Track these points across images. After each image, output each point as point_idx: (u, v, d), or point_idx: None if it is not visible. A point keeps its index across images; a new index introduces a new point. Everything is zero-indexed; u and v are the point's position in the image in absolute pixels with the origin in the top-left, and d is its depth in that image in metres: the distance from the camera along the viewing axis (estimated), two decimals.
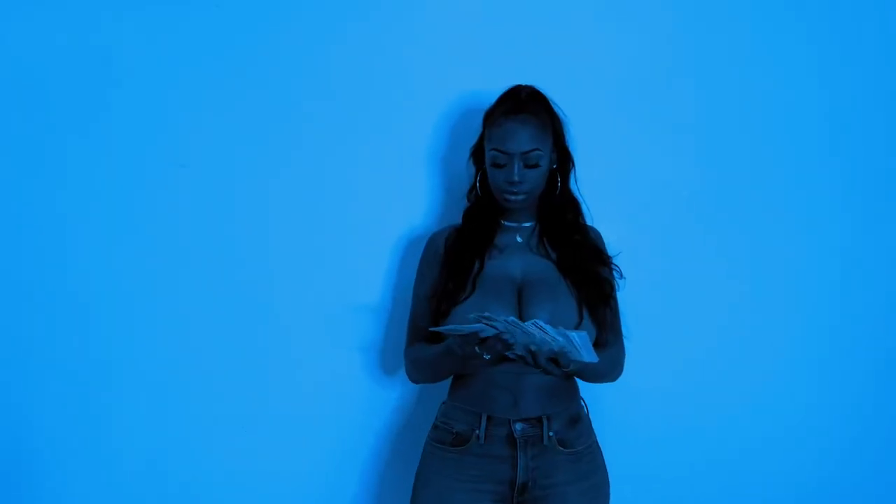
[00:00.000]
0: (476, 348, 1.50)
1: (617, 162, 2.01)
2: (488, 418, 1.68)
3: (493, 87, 1.81)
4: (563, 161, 1.78)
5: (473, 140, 1.83)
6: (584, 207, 1.84)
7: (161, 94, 1.97)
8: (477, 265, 1.72)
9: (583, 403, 1.77)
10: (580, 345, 1.48)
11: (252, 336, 2.02)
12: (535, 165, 1.68)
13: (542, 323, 1.49)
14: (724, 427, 2.09)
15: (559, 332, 1.48)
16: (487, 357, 1.51)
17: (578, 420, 1.73)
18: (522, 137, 1.67)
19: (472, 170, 1.83)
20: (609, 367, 1.75)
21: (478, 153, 1.81)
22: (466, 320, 1.52)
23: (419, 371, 1.76)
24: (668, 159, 2.03)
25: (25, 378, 2.00)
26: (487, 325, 1.47)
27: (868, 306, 2.11)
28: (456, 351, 1.56)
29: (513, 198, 1.69)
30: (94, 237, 1.99)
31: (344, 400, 2.04)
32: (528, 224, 1.79)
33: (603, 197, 1.89)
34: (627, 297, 1.83)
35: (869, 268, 2.10)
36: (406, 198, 2.01)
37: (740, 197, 2.07)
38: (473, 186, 1.81)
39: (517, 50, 1.98)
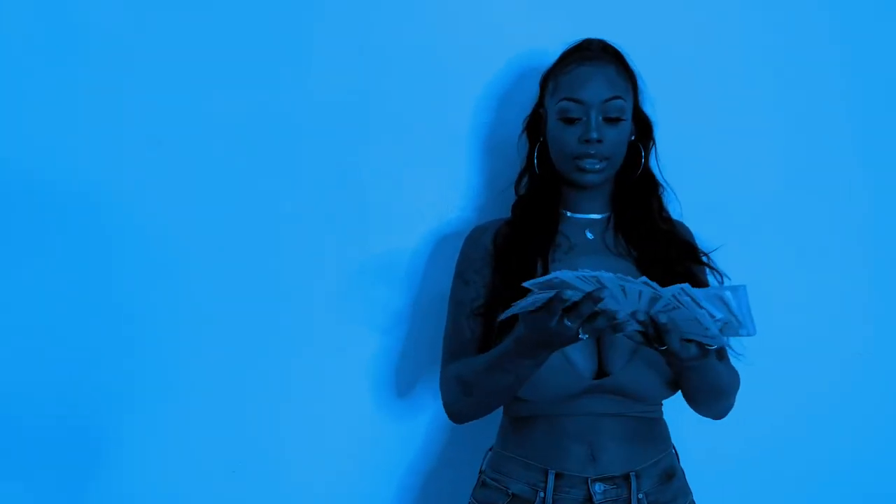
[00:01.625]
0: (566, 321, 1.06)
1: (699, 148, 1.63)
2: (557, 476, 1.27)
3: (546, 55, 1.46)
4: (643, 133, 1.40)
5: (521, 119, 1.48)
6: (669, 195, 1.43)
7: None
8: (539, 268, 1.31)
9: (674, 452, 1.36)
10: (737, 309, 1.01)
11: (242, 359, 1.63)
12: (618, 119, 1.31)
13: (691, 291, 0.99)
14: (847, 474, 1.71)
15: (707, 297, 1.01)
16: (584, 335, 1.07)
17: (673, 475, 1.33)
18: (601, 82, 1.31)
19: (525, 149, 1.45)
20: (733, 380, 1.31)
21: (534, 123, 1.41)
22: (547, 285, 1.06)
23: (471, 389, 1.27)
24: (759, 149, 1.67)
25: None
26: (573, 285, 1.03)
27: None
28: (533, 333, 1.10)
29: (590, 164, 1.30)
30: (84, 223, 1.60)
31: (353, 440, 1.65)
32: (599, 216, 1.39)
33: (686, 187, 1.49)
34: None
35: None
36: (437, 187, 1.64)
37: (845, 193, 1.71)
38: (529, 164, 1.42)
39: (575, 10, 1.61)
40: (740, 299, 1.01)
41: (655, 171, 1.42)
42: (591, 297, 1.03)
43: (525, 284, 1.05)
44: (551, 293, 1.05)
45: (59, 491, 1.61)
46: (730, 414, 1.35)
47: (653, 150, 1.42)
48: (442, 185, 1.63)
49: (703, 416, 1.33)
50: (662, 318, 1.04)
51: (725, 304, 1.01)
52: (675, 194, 1.45)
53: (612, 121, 1.31)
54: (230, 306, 1.62)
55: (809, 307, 1.69)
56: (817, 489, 1.73)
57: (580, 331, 1.06)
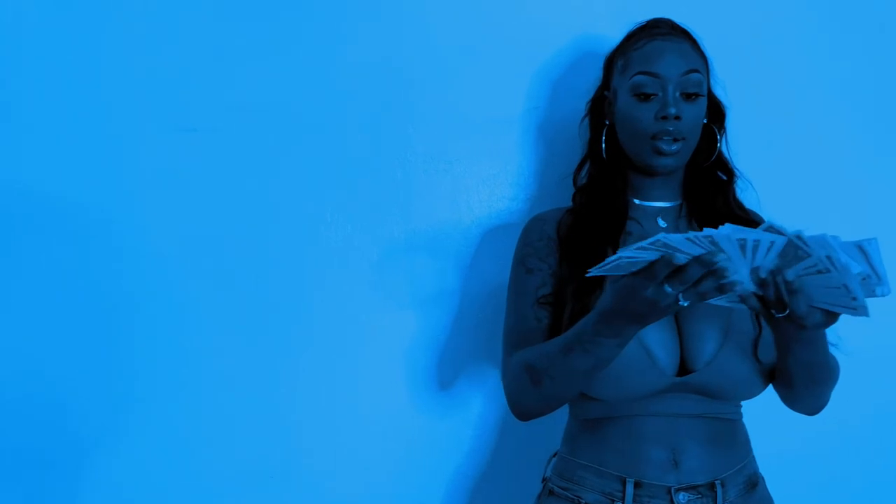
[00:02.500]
0: (666, 287, 0.95)
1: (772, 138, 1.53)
2: (636, 485, 1.16)
3: (602, 40, 1.40)
4: (716, 116, 1.30)
5: (574, 108, 1.39)
6: (744, 184, 1.34)
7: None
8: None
9: (753, 457, 1.26)
10: (876, 261, 0.89)
11: (272, 355, 1.53)
12: (696, 95, 1.21)
13: (831, 242, 0.86)
14: None
15: (846, 248, 0.88)
16: (685, 302, 0.95)
17: (756, 483, 1.23)
18: (677, 56, 1.21)
19: (586, 136, 1.35)
20: (835, 368, 1.21)
21: (598, 107, 1.32)
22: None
23: (542, 378, 1.14)
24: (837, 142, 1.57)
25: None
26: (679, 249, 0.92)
27: None
28: (624, 301, 0.99)
29: (667, 147, 1.19)
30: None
31: (390, 437, 1.55)
32: (669, 203, 1.29)
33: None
34: None
35: None
36: (486, 176, 1.55)
37: None
38: (592, 151, 1.32)
39: None
40: (874, 252, 0.89)
41: (727, 156, 1.32)
42: (701, 262, 0.92)
43: (623, 252, 0.94)
44: (646, 257, 0.94)
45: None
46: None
47: (723, 138, 1.31)
48: (491, 174, 1.54)
49: (798, 410, 1.23)
50: (790, 275, 0.92)
51: (864, 254, 0.88)
52: (751, 184, 1.34)
53: (690, 96, 1.21)
54: (269, 293, 1.52)
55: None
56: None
57: (680, 297, 0.95)
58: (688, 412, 1.18)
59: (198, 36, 1.50)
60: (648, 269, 0.95)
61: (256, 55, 1.51)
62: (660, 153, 1.21)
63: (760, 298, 0.97)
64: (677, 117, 1.19)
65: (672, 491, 1.16)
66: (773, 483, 1.27)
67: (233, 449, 1.52)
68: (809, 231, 0.88)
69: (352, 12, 1.52)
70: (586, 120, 1.36)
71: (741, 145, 1.34)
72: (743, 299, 0.98)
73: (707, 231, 0.89)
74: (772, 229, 0.89)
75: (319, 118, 1.51)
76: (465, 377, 1.57)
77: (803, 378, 1.15)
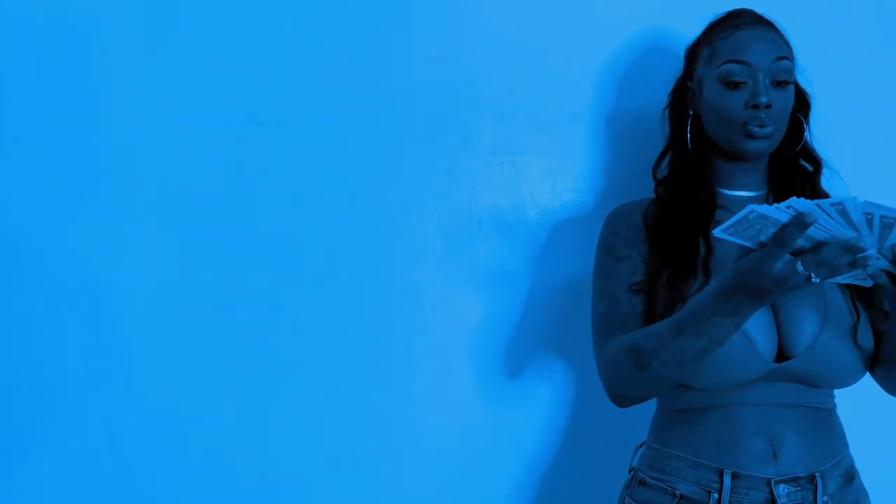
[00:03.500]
0: (799, 265, 0.95)
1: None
2: (734, 476, 1.14)
3: (669, 36, 1.44)
4: (802, 105, 1.29)
5: (646, 98, 1.40)
6: (830, 174, 1.32)
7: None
8: (703, 247, 1.18)
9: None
10: None
11: (340, 341, 1.51)
12: (786, 83, 1.20)
13: None
14: None
15: None
16: (817, 279, 0.95)
17: (854, 476, 1.20)
18: (766, 44, 1.21)
19: (667, 125, 1.34)
20: None
21: (680, 98, 1.31)
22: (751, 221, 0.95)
23: (649, 361, 1.10)
24: None
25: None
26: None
27: None
28: (748, 277, 0.98)
29: (760, 130, 1.18)
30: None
31: (456, 435, 1.53)
32: (756, 193, 1.27)
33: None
34: None
35: None
36: (547, 168, 1.53)
37: None
38: (674, 141, 1.31)
39: None
40: None
41: (815, 150, 1.31)
42: (843, 245, 0.92)
43: (753, 206, 0.93)
44: (777, 217, 0.92)
45: None
46: None
47: (808, 129, 1.30)
48: (554, 167, 1.52)
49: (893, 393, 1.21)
50: None
51: None
52: (839, 174, 1.32)
53: (780, 84, 1.20)
54: (338, 281, 1.50)
55: None
56: None
57: (812, 273, 0.94)
58: (786, 401, 1.15)
59: (267, 30, 1.49)
60: (778, 236, 0.94)
61: (324, 50, 1.49)
62: (752, 137, 1.19)
63: (889, 274, 0.96)
64: (768, 105, 1.17)
65: (772, 483, 1.13)
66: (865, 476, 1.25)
67: (298, 435, 1.50)
68: None
69: (419, 7, 1.50)
70: (666, 111, 1.34)
71: (827, 135, 1.32)
72: (874, 277, 0.96)
73: (838, 198, 0.87)
74: None
75: (386, 112, 1.50)
76: (532, 369, 1.55)
77: None
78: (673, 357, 1.09)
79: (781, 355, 1.15)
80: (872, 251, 0.94)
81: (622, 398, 1.18)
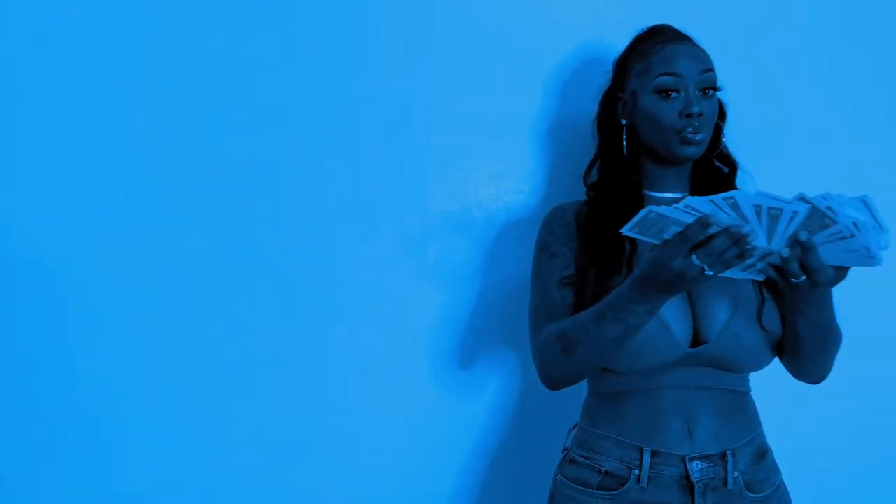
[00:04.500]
0: (693, 258, 1.05)
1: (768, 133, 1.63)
2: (653, 454, 1.25)
3: (605, 47, 1.52)
4: (719, 113, 1.39)
5: (586, 105, 1.47)
6: (744, 175, 1.43)
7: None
8: (627, 245, 1.29)
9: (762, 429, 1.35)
10: (881, 217, 0.99)
11: (288, 334, 1.63)
12: (713, 90, 1.31)
13: (834, 198, 0.97)
14: None
15: (850, 201, 0.98)
16: (710, 272, 1.05)
17: (765, 453, 1.31)
18: (693, 57, 1.31)
19: (597, 134, 1.44)
20: (840, 333, 1.29)
21: (610, 107, 1.40)
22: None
23: (575, 347, 1.21)
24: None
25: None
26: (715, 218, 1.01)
27: None
28: (655, 270, 1.09)
29: (694, 136, 1.28)
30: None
31: (412, 421, 1.64)
32: (680, 194, 1.37)
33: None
34: None
35: None
36: (492, 171, 1.63)
37: None
38: (605, 148, 1.41)
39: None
40: (872, 206, 0.99)
41: (729, 151, 1.41)
42: (730, 234, 1.02)
43: (651, 207, 1.03)
44: (674, 215, 1.02)
45: None
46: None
47: (723, 131, 1.40)
48: (499, 170, 1.63)
49: (805, 379, 1.32)
50: (803, 236, 1.02)
51: (867, 206, 0.98)
52: (750, 175, 1.43)
53: (706, 93, 1.30)
54: (298, 281, 1.61)
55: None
56: None
57: (705, 267, 1.04)
58: (701, 384, 1.26)
59: (220, 38, 1.58)
60: (681, 234, 1.05)
61: (275, 59, 1.59)
62: (688, 143, 1.29)
63: (776, 267, 1.06)
64: (700, 114, 1.28)
65: (686, 459, 1.24)
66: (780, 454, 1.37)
67: (260, 423, 1.61)
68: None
69: (372, 18, 1.60)
70: (596, 121, 1.43)
71: (740, 139, 1.42)
72: (763, 271, 1.07)
73: (730, 193, 0.97)
74: (803, 199, 0.97)
75: (344, 120, 1.60)
76: (482, 360, 1.65)
77: (812, 343, 1.23)
78: (595, 342, 1.20)
79: (697, 341, 1.26)
80: (762, 242, 1.04)
81: (553, 381, 1.29)
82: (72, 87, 1.57)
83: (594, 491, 1.27)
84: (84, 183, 1.58)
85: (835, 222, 0.99)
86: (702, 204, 1.00)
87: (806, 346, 1.24)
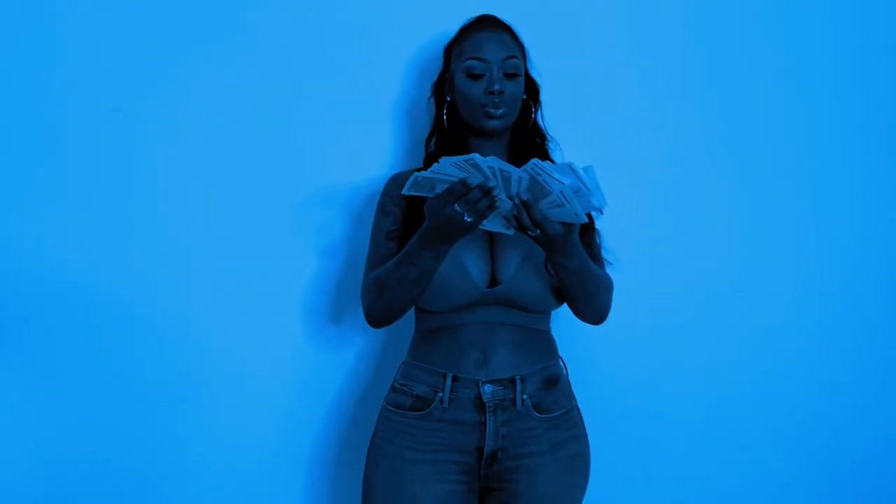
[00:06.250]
0: (456, 206, 1.29)
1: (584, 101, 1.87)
2: (454, 379, 1.47)
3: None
4: (532, 93, 1.64)
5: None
6: (554, 146, 1.67)
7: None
8: None
9: (562, 364, 1.57)
10: (590, 183, 1.23)
11: (176, 298, 1.83)
12: (515, 75, 1.53)
13: (541, 164, 1.22)
14: (719, 398, 1.95)
15: (557, 169, 1.22)
16: (469, 219, 1.29)
17: (556, 382, 1.53)
18: (499, 44, 1.54)
19: (433, 112, 1.67)
20: (603, 278, 1.51)
21: (441, 87, 1.64)
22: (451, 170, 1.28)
23: (383, 288, 1.45)
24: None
25: None
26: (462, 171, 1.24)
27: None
28: (433, 219, 1.32)
29: (494, 111, 1.51)
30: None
31: (286, 370, 1.86)
32: None
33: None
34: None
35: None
36: (367, 150, 1.85)
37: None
38: (438, 122, 1.63)
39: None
40: (589, 174, 1.22)
41: (543, 126, 1.64)
42: (481, 188, 1.25)
43: (418, 174, 1.27)
44: (438, 177, 1.25)
45: None
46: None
47: (540, 111, 1.64)
48: (370, 149, 1.84)
49: (585, 319, 1.53)
50: (525, 196, 1.26)
51: (574, 172, 1.21)
52: (559, 145, 1.66)
53: (510, 76, 1.52)
54: (142, 268, 1.81)
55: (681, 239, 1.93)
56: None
57: (465, 214, 1.27)
58: (499, 321, 1.48)
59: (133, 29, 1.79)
60: (447, 189, 1.28)
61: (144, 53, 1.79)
62: (490, 116, 1.52)
63: (518, 219, 1.30)
64: (501, 92, 1.50)
65: (480, 383, 1.46)
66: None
67: (150, 372, 1.81)
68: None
69: (250, 14, 1.81)
70: (432, 99, 1.66)
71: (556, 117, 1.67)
72: (511, 225, 1.31)
73: (471, 155, 1.21)
74: (569, 168, 1.22)
75: (239, 109, 1.81)
76: (349, 316, 1.86)
77: (574, 286, 1.45)
78: (397, 283, 1.42)
79: (496, 282, 1.48)
80: (503, 196, 1.27)
81: (372, 319, 1.51)
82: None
83: (406, 412, 1.50)
84: None
85: (549, 192, 1.24)
86: (446, 166, 1.24)
87: (570, 289, 1.46)
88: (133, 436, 1.81)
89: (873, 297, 2.00)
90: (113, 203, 1.79)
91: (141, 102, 1.79)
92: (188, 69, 1.80)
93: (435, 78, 1.67)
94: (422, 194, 1.32)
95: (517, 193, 1.27)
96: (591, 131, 1.83)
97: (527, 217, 1.29)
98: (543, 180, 1.23)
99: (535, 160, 1.22)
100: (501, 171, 1.24)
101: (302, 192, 1.84)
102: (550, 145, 1.64)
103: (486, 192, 1.26)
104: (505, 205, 1.29)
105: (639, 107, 1.91)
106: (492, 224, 1.34)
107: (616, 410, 1.87)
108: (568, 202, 1.24)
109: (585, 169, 1.22)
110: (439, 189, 1.30)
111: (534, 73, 1.64)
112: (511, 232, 1.35)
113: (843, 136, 1.97)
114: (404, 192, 1.31)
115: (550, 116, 1.66)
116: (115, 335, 1.81)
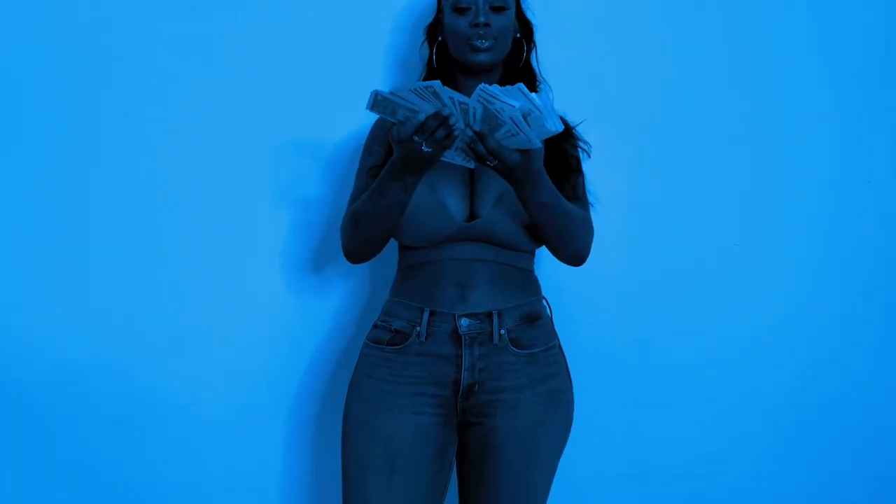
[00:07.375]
0: (415, 137, 1.29)
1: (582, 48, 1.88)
2: (431, 313, 1.48)
3: None
4: (526, 33, 1.64)
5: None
6: (546, 87, 1.66)
7: None
8: None
9: (545, 304, 1.57)
10: (543, 107, 1.23)
11: (159, 246, 1.88)
12: (502, 8, 1.53)
13: (489, 89, 1.22)
14: (705, 342, 1.96)
15: (506, 92, 1.22)
16: (427, 149, 1.29)
17: (537, 319, 1.53)
18: None
19: (426, 53, 1.67)
20: (578, 217, 1.50)
21: (433, 29, 1.65)
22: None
23: (358, 221, 1.47)
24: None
25: None
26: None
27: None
28: (398, 149, 1.32)
29: (480, 43, 1.51)
30: None
31: (273, 314, 1.89)
32: None
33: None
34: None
35: None
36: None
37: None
38: (429, 62, 1.64)
39: None
40: (543, 98, 1.23)
41: (536, 67, 1.65)
42: (438, 116, 1.25)
43: (377, 91, 1.27)
44: (399, 102, 1.26)
45: None
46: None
47: (534, 50, 1.64)
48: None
49: (562, 260, 1.53)
50: (477, 126, 1.27)
51: (525, 95, 1.22)
52: (551, 88, 1.66)
53: (496, 9, 1.52)
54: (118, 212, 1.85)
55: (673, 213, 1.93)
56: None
57: (423, 144, 1.28)
58: (478, 257, 1.49)
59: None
60: (408, 118, 1.28)
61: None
62: (476, 49, 1.52)
63: (475, 150, 1.30)
64: (486, 24, 1.51)
65: (456, 317, 1.47)
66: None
67: (137, 322, 1.85)
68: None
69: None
70: (425, 44, 1.67)
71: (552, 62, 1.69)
72: (470, 158, 1.31)
73: (432, 82, 1.22)
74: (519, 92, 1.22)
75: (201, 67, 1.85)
76: (332, 264, 1.89)
77: (546, 222, 1.44)
78: (370, 215, 1.44)
79: (474, 216, 1.49)
80: (460, 124, 1.27)
81: (348, 252, 1.53)
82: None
83: (385, 346, 1.51)
84: None
85: (503, 122, 1.24)
86: (406, 91, 1.24)
87: (540, 224, 1.46)
88: (120, 384, 1.85)
89: (874, 243, 1.99)
90: (87, 151, 1.85)
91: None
92: (175, 21, 1.84)
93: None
94: (384, 116, 1.32)
95: (471, 124, 1.27)
96: (587, 77, 1.86)
97: (482, 147, 1.29)
98: (496, 109, 1.23)
99: (483, 85, 1.22)
100: (460, 102, 1.24)
101: (293, 145, 1.86)
102: (543, 87, 1.64)
103: (442, 121, 1.26)
104: (462, 136, 1.29)
105: (634, 56, 1.92)
106: (452, 157, 1.35)
107: (602, 353, 1.89)
108: (521, 130, 1.24)
109: (520, 87, 1.22)
110: (400, 115, 1.30)
111: (530, 15, 1.64)
112: (472, 164, 1.35)
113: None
114: (366, 107, 1.31)
115: (547, 62, 1.67)
116: (102, 284, 1.85)
